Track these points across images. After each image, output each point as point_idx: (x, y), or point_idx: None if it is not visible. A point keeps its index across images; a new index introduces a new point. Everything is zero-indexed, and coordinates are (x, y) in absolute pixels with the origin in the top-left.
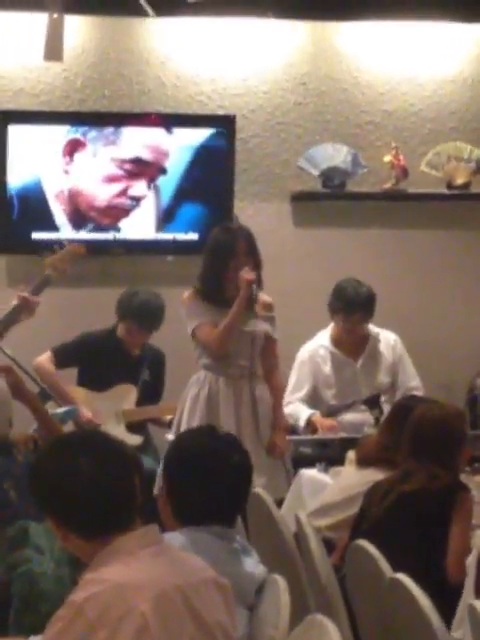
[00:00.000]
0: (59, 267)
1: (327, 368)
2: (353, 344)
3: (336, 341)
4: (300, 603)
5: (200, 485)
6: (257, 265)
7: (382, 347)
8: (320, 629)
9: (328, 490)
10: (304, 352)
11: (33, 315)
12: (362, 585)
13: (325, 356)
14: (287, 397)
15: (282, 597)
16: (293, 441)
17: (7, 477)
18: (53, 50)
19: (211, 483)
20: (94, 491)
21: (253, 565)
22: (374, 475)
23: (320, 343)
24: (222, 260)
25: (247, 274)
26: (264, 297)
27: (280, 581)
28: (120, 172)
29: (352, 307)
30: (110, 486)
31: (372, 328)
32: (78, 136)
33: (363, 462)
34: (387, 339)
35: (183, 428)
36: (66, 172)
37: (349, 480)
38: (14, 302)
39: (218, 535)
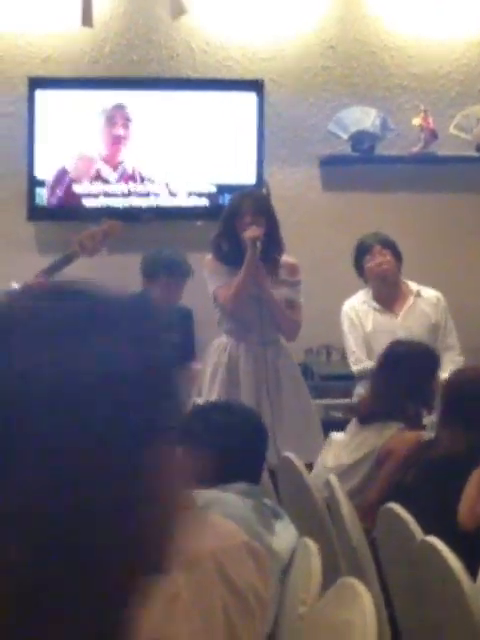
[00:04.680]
0: (88, 245)
1: (368, 322)
2: (392, 297)
3: (376, 297)
4: (331, 567)
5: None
6: (271, 225)
7: (423, 304)
8: (352, 591)
9: (337, 453)
10: (347, 308)
11: None
12: (393, 548)
13: (366, 310)
14: (359, 361)
15: (313, 561)
16: (324, 406)
17: None
18: (85, 16)
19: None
20: None
21: (284, 527)
22: (374, 431)
23: (361, 298)
24: (227, 221)
25: (250, 232)
26: (288, 259)
27: (311, 545)
28: (149, 137)
29: (369, 241)
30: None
31: (412, 285)
32: (109, 103)
33: (363, 420)
34: (429, 296)
35: (204, 395)
36: (97, 138)
37: (354, 440)
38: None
39: (244, 493)
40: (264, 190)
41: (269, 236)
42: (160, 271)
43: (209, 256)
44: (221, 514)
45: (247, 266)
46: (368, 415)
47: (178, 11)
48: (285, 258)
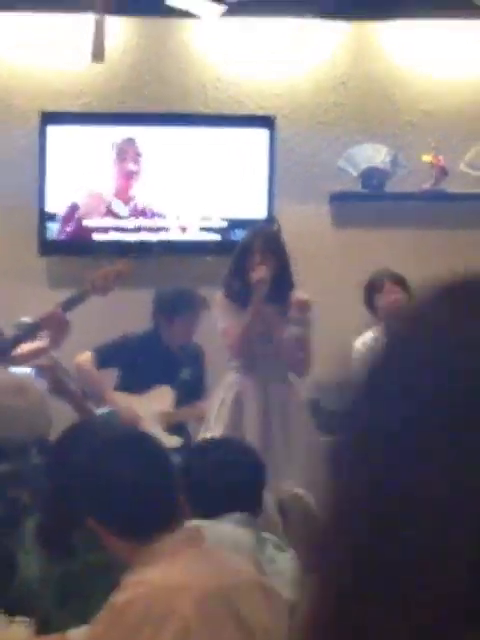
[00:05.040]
0: (99, 285)
1: None
2: None
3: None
4: None
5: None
6: (280, 263)
7: None
8: None
9: None
10: (359, 344)
11: (62, 330)
12: None
13: (378, 347)
14: None
15: None
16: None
17: (15, 483)
18: (97, 51)
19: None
20: (135, 491)
21: (287, 561)
22: None
23: (373, 336)
24: (238, 259)
25: (256, 274)
26: (299, 296)
27: None
28: (161, 173)
29: (379, 278)
30: (151, 486)
31: None
32: (119, 137)
33: None
34: None
35: (210, 430)
36: (108, 173)
37: None
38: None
39: (240, 522)
40: (275, 226)
41: (279, 274)
42: (182, 308)
43: (220, 294)
44: (216, 541)
45: (253, 309)
46: None
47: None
48: (297, 294)
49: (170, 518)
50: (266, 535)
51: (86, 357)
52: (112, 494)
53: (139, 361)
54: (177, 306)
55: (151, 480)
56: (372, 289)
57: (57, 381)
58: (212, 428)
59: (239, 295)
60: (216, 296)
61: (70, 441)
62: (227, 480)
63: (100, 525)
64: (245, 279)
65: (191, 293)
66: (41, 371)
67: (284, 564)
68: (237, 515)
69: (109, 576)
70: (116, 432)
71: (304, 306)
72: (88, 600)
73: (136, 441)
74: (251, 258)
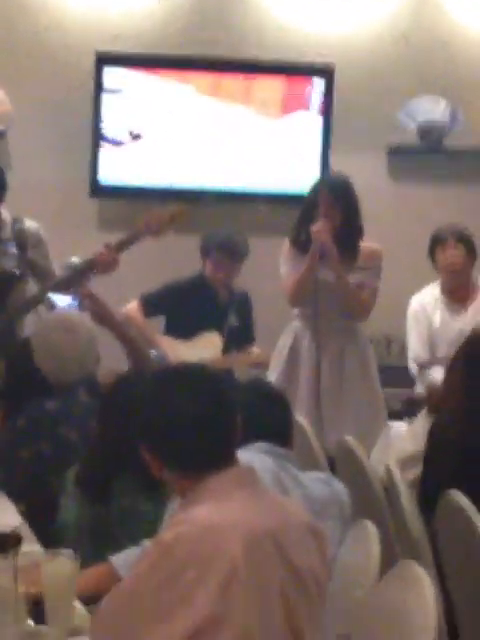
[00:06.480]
0: (153, 227)
1: (436, 318)
2: (462, 291)
3: (444, 290)
4: (387, 554)
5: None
6: (348, 212)
7: None
8: (412, 575)
9: (403, 441)
10: (414, 303)
11: (112, 271)
12: (452, 538)
13: (434, 306)
14: (418, 358)
15: (372, 544)
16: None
17: (63, 421)
18: None
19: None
20: (191, 424)
21: (312, 480)
22: None
23: (430, 293)
24: (305, 211)
25: (316, 226)
26: (369, 245)
27: (370, 527)
28: (217, 120)
29: (444, 234)
30: (209, 421)
31: None
32: (178, 81)
33: (433, 408)
34: None
35: (270, 375)
36: (163, 119)
37: (421, 429)
38: (95, 254)
39: (265, 451)
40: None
41: (347, 222)
42: (214, 249)
43: (287, 241)
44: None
45: (310, 260)
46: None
47: None
48: (366, 243)
49: (224, 456)
50: (289, 465)
51: (133, 306)
52: (168, 424)
53: (186, 308)
54: (209, 246)
55: (209, 415)
56: (435, 242)
57: (100, 309)
58: (271, 372)
59: (305, 244)
60: (285, 243)
61: (125, 382)
62: (251, 417)
63: (154, 456)
64: (309, 229)
65: (227, 237)
66: (83, 300)
67: (308, 482)
68: (260, 444)
69: (142, 523)
70: (178, 366)
71: (372, 255)
72: (119, 545)
73: (198, 374)
74: (316, 210)
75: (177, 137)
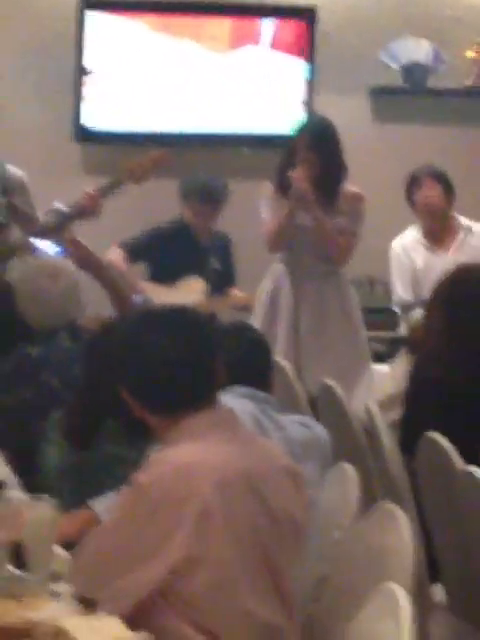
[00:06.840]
0: (136, 173)
1: (419, 260)
2: (441, 232)
3: (424, 231)
4: (368, 496)
5: None
6: (328, 156)
7: (475, 240)
8: (390, 516)
9: (384, 382)
10: (396, 246)
11: (95, 217)
12: (433, 478)
13: (416, 248)
14: (402, 301)
15: (350, 485)
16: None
17: (45, 367)
18: None
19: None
20: (168, 366)
21: (290, 422)
22: None
23: (411, 236)
24: (286, 156)
25: (295, 173)
26: (351, 188)
27: (349, 469)
28: (200, 63)
29: (420, 174)
30: (186, 363)
31: (463, 220)
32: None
33: (414, 348)
34: None
35: (252, 318)
36: (146, 62)
37: (401, 370)
38: (78, 200)
39: (248, 396)
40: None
41: (327, 166)
42: (192, 194)
43: (269, 185)
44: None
45: (288, 208)
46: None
47: None
48: (348, 187)
49: (203, 398)
50: (269, 405)
51: (115, 252)
52: (145, 366)
53: (168, 253)
54: (188, 192)
55: (186, 357)
56: (413, 184)
57: (83, 254)
58: (254, 315)
59: (287, 189)
60: (265, 184)
61: (110, 329)
62: (231, 360)
63: (133, 399)
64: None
65: (206, 182)
66: (67, 246)
67: (288, 425)
68: (241, 388)
69: (126, 469)
70: (158, 307)
71: (354, 199)
72: (102, 492)
73: (176, 317)
74: (297, 154)
75: (160, 82)
